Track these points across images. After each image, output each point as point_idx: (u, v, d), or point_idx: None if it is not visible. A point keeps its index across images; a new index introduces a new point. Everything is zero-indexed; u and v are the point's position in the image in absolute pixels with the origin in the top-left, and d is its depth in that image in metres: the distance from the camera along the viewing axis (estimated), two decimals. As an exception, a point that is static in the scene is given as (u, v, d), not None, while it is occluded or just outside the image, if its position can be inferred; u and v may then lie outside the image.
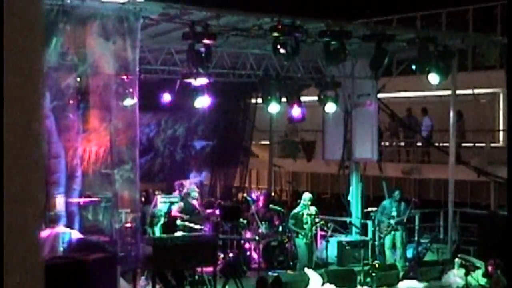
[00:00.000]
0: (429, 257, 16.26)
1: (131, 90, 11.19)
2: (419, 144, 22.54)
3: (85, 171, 13.63)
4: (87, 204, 13.36)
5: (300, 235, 14.71)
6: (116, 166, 11.20)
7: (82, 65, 11.30)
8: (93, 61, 11.06)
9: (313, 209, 14.86)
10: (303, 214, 14.76)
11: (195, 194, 15.40)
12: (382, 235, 15.38)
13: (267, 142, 23.08)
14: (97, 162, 13.48)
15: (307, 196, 15.03)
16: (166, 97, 16.08)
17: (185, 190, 16.26)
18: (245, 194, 19.38)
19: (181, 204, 15.21)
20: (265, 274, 13.94)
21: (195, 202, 15.40)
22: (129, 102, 11.35)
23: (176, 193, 16.95)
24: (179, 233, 13.94)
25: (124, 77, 11.28)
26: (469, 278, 13.40)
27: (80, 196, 13.39)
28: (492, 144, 21.10)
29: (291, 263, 15.12)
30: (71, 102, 12.31)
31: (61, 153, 12.93)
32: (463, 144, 20.89)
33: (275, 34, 12.36)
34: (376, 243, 15.54)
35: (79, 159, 13.64)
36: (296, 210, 14.94)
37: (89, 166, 13.71)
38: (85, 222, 13.10)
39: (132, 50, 10.80)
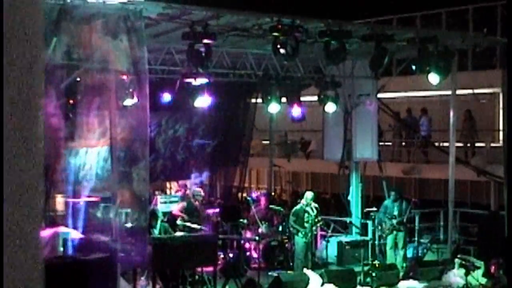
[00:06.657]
0: (429, 257, 16.26)
1: (140, 88, 11.11)
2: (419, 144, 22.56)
3: (93, 169, 13.60)
4: (97, 203, 13.34)
5: (300, 233, 14.70)
6: (133, 164, 11.07)
7: (86, 63, 11.24)
8: (99, 60, 10.99)
9: (314, 208, 14.85)
10: (304, 212, 14.76)
11: (199, 197, 15.43)
12: (384, 235, 15.36)
13: (267, 142, 23.08)
14: (106, 160, 13.44)
15: (309, 195, 15.03)
16: (166, 97, 16.05)
17: (188, 191, 16.28)
18: (245, 194, 19.38)
19: (184, 203, 15.23)
20: (264, 274, 13.94)
21: (197, 204, 15.41)
22: (136, 100, 11.32)
23: (180, 193, 16.96)
24: (179, 233, 13.94)
25: (133, 75, 11.22)
26: (469, 278, 13.41)
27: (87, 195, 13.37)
28: (492, 144, 21.11)
29: (291, 263, 15.11)
30: (78, 98, 12.28)
31: (68, 152, 12.92)
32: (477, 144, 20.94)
33: (275, 34, 12.35)
34: (377, 242, 15.54)
35: (86, 158, 13.61)
36: (297, 208, 14.95)
37: (98, 164, 13.66)
38: (92, 220, 13.04)
39: (139, 48, 10.73)
